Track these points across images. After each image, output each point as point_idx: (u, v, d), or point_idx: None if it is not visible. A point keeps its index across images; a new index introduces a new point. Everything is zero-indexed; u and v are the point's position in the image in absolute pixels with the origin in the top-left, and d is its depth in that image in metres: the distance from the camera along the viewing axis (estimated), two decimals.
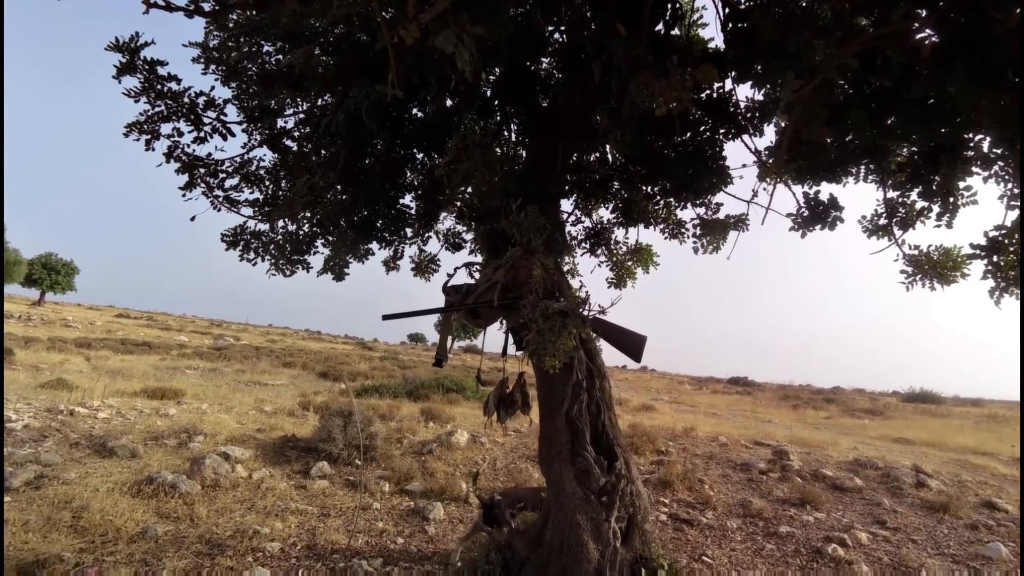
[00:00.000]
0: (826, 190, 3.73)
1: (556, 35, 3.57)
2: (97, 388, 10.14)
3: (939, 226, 3.56)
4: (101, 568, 3.56)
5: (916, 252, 3.66)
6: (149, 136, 3.80)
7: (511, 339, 3.06)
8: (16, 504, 4.29)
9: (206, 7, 2.12)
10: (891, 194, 3.77)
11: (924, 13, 1.97)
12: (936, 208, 3.55)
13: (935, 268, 3.59)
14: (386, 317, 2.79)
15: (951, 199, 3.42)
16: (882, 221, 3.79)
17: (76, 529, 4.05)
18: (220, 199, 3.96)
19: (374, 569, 3.94)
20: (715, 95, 3.36)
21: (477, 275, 3.20)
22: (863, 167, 3.72)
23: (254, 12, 3.30)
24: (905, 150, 3.61)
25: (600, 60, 1.84)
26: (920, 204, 3.63)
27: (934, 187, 3.43)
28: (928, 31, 1.94)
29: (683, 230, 4.36)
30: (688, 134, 3.43)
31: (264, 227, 4.45)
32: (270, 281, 4.57)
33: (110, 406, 8.61)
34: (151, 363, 17.10)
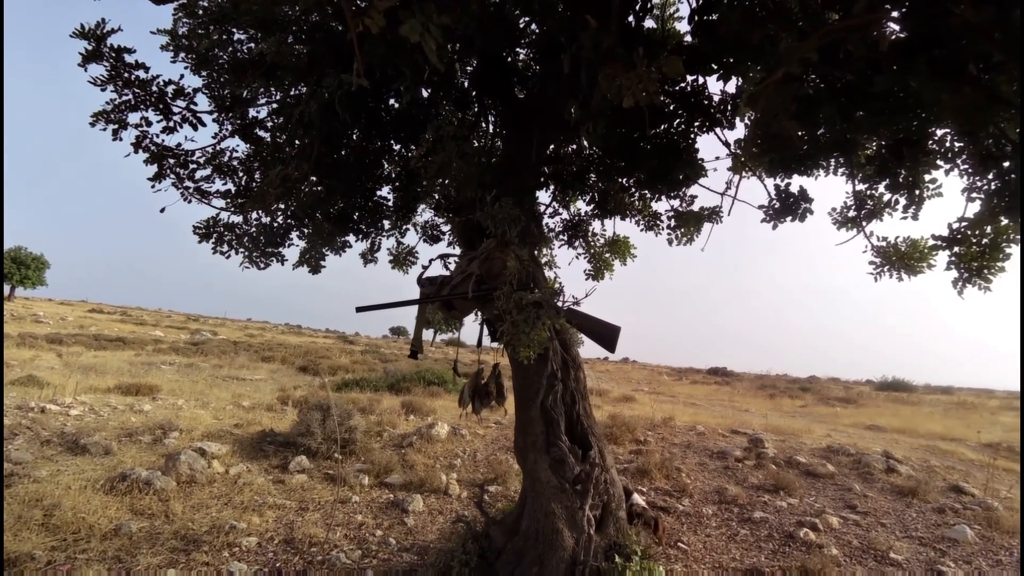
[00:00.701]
0: (797, 183, 3.80)
1: (531, 25, 3.56)
2: (69, 385, 9.93)
3: (905, 218, 3.64)
4: (73, 566, 3.51)
5: (884, 243, 3.75)
6: (116, 126, 3.71)
7: (486, 330, 3.07)
8: None
9: None
10: (860, 187, 3.85)
11: (888, 7, 2.01)
12: (903, 200, 3.64)
13: (902, 259, 3.68)
14: (360, 309, 2.78)
15: (917, 191, 3.51)
16: (851, 213, 3.87)
17: (47, 527, 3.98)
18: (190, 190, 3.89)
19: (352, 561, 3.94)
20: (688, 87, 3.39)
21: (452, 267, 3.20)
22: (833, 160, 3.79)
23: None
24: (874, 144, 3.69)
25: (569, 52, 1.85)
26: (887, 196, 3.71)
27: (900, 180, 3.51)
28: (891, 25, 1.98)
29: (658, 222, 4.40)
30: (662, 126, 3.46)
31: (238, 219, 4.39)
32: (249, 275, 4.55)
33: (83, 403, 8.44)
34: (125, 359, 16.78)
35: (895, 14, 2.11)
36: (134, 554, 3.75)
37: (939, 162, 3.31)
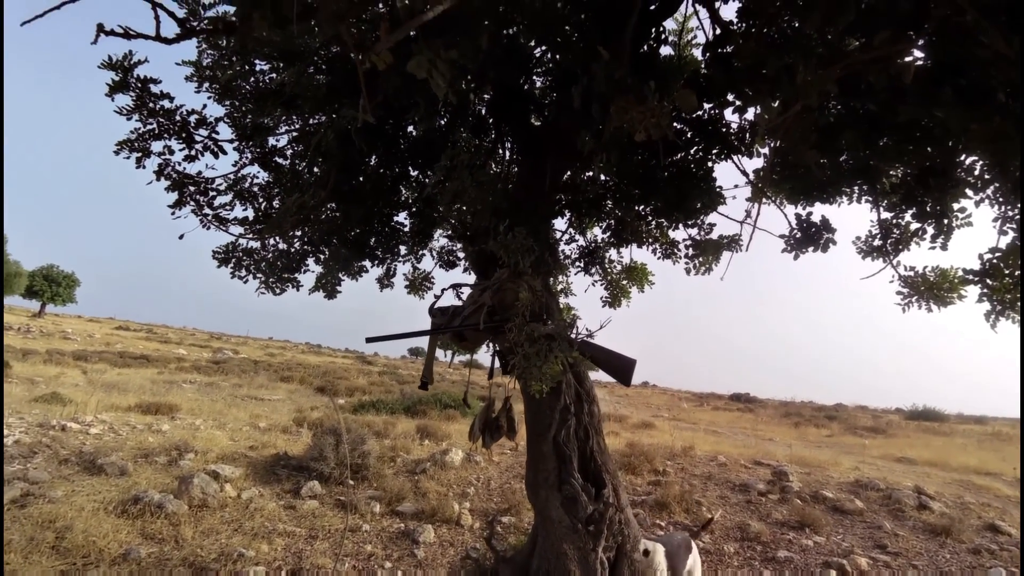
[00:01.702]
0: (819, 211, 3.71)
1: (547, 55, 3.57)
2: (91, 403, 10.08)
3: (934, 248, 3.52)
4: None
5: (912, 273, 3.62)
6: (140, 154, 3.79)
7: (498, 362, 3.02)
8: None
9: (169, 35, 2.11)
10: (885, 215, 3.74)
11: (912, 35, 1.95)
12: (931, 230, 3.52)
13: (931, 289, 3.54)
14: (370, 340, 2.75)
15: (945, 221, 3.39)
16: (876, 242, 3.75)
17: (58, 550, 3.98)
18: (209, 217, 3.94)
19: None
20: (705, 116, 3.35)
21: (464, 296, 3.17)
22: (856, 188, 3.69)
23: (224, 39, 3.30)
24: (899, 171, 3.59)
25: (581, 84, 1.82)
26: (914, 225, 3.59)
27: (928, 209, 3.40)
28: (914, 55, 1.92)
29: (676, 250, 4.33)
30: (678, 155, 3.41)
31: (256, 245, 4.43)
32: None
33: (103, 421, 8.54)
34: (148, 376, 17.04)
35: (919, 42, 2.05)
36: None
37: (968, 191, 3.20)
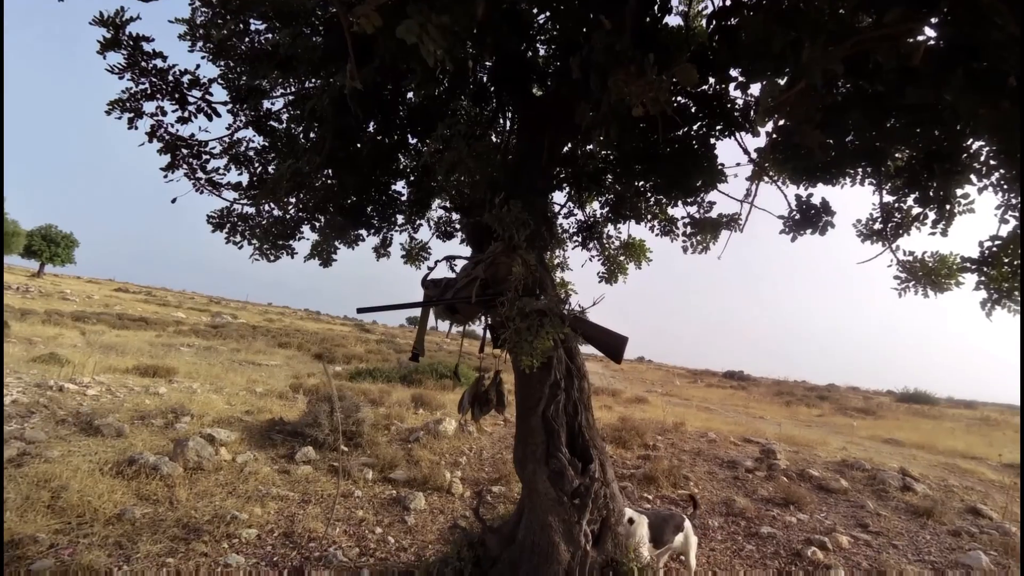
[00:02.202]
0: (820, 193, 3.67)
1: (548, 23, 3.47)
2: (89, 364, 10.13)
3: (934, 233, 3.48)
4: (75, 551, 3.54)
5: (911, 258, 3.59)
6: (132, 114, 3.71)
7: (490, 336, 3.01)
8: None
9: None
10: (887, 199, 3.69)
11: (925, 14, 1.88)
12: (932, 215, 3.47)
13: (929, 275, 3.52)
14: (361, 310, 2.73)
15: (947, 206, 3.34)
16: (877, 226, 3.71)
17: (54, 509, 4.03)
18: (202, 181, 3.88)
19: (349, 559, 3.93)
20: (710, 91, 3.27)
21: (458, 268, 3.14)
22: (860, 170, 3.63)
23: None
24: (904, 154, 3.52)
25: (579, 55, 1.76)
26: (916, 210, 3.55)
27: (931, 193, 3.35)
28: (926, 34, 1.85)
29: (674, 228, 4.29)
30: (680, 131, 3.34)
31: (251, 210, 4.38)
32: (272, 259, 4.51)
33: (100, 383, 8.60)
34: (146, 339, 17.10)
35: (931, 21, 1.98)
36: (135, 541, 3.78)
37: (972, 177, 3.14)
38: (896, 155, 3.60)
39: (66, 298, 29.01)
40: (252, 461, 5.73)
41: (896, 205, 3.72)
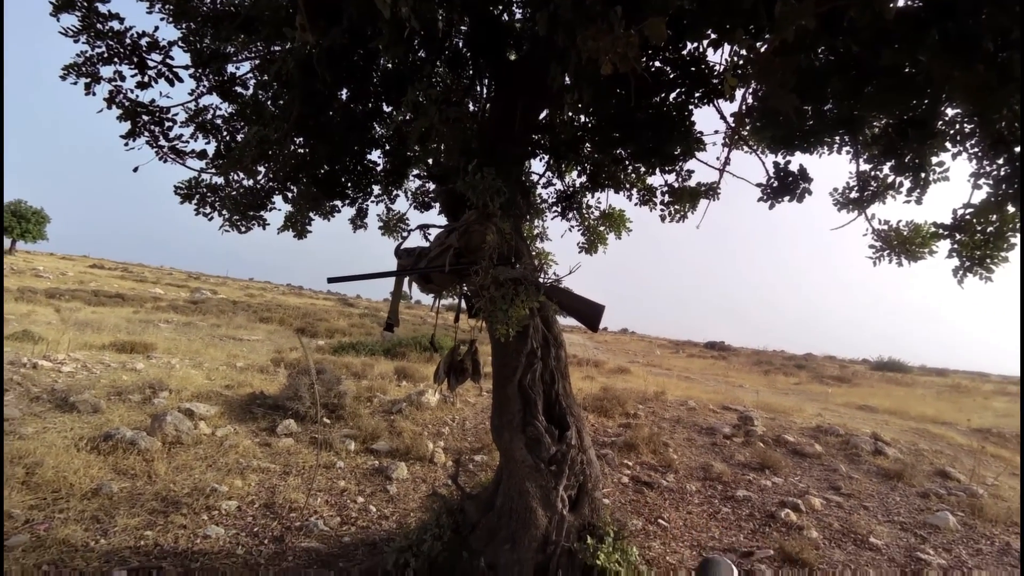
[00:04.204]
0: (798, 161, 3.65)
1: None
2: (63, 341, 9.95)
3: (909, 201, 3.50)
4: (51, 525, 3.51)
5: (885, 227, 3.62)
6: (89, 79, 3.54)
7: (464, 305, 2.98)
8: None
9: None
10: (864, 167, 3.69)
11: None
12: (907, 183, 3.49)
13: (904, 244, 3.56)
14: (331, 280, 2.68)
15: (922, 174, 3.35)
16: (853, 195, 3.72)
17: (28, 485, 3.99)
18: (165, 149, 3.74)
19: (330, 528, 3.96)
20: (688, 57, 3.20)
21: (432, 237, 3.09)
22: (838, 138, 3.62)
23: None
24: (882, 122, 3.51)
25: (546, 10, 1.69)
26: (892, 178, 3.56)
27: (906, 161, 3.36)
28: None
29: (653, 197, 4.26)
30: (659, 97, 3.28)
31: (220, 180, 4.25)
32: (253, 234, 4.41)
33: (75, 359, 8.46)
34: (123, 316, 16.82)
35: None
36: (112, 515, 3.76)
37: (947, 144, 3.15)
38: (873, 123, 3.59)
39: (39, 275, 28.32)
40: (232, 435, 5.71)
41: (872, 174, 3.73)
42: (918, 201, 3.52)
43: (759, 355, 32.08)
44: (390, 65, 4.09)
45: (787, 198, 3.52)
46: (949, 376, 28.04)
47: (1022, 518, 6.41)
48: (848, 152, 3.71)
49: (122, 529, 3.61)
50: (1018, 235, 2.96)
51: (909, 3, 2.12)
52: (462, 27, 3.98)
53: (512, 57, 3.88)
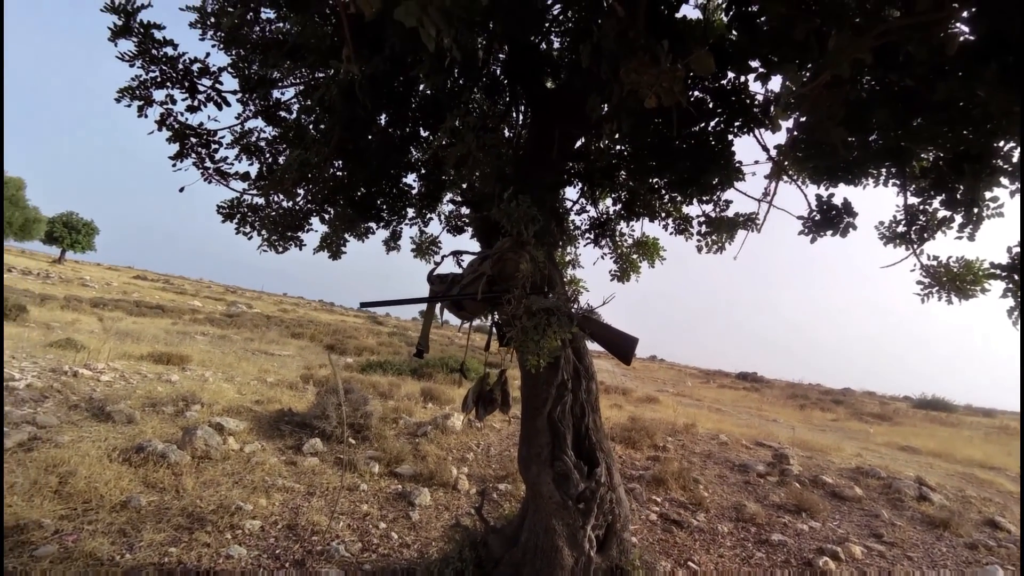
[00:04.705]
0: (841, 193, 3.54)
1: (561, 11, 3.37)
2: (104, 350, 10.26)
3: (960, 237, 3.34)
4: (79, 537, 3.56)
5: (935, 263, 3.46)
6: (142, 102, 3.69)
7: (496, 334, 2.94)
8: (6, 466, 4.31)
9: None
10: (912, 200, 3.55)
11: (956, 5, 1.77)
12: (959, 218, 3.34)
13: (954, 281, 3.39)
14: (364, 305, 2.68)
15: (975, 210, 3.20)
16: (900, 228, 3.57)
17: (60, 495, 4.06)
18: (211, 171, 3.85)
19: (351, 555, 3.90)
20: (728, 85, 3.16)
21: (465, 264, 3.08)
22: (884, 170, 3.50)
23: None
24: (931, 154, 3.38)
25: (589, 42, 1.68)
26: (942, 213, 3.41)
27: (958, 196, 3.21)
28: (959, 26, 1.74)
29: (689, 226, 4.18)
30: (698, 126, 3.23)
31: (261, 200, 4.36)
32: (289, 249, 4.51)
33: (114, 369, 8.70)
34: (162, 326, 17.32)
35: (964, 14, 1.87)
36: (139, 529, 3.78)
37: (1003, 180, 3.01)
38: (922, 155, 3.46)
39: (85, 284, 29.50)
40: (260, 451, 5.75)
41: (921, 207, 3.58)
42: (971, 237, 3.36)
43: (794, 388, 31.07)
44: (428, 91, 4.16)
45: (830, 232, 3.40)
46: (997, 417, 26.57)
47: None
48: (895, 184, 3.58)
49: (148, 544, 3.62)
50: None
51: (967, 36, 2.04)
52: (500, 55, 4.03)
53: (549, 85, 3.90)
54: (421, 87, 4.19)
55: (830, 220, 3.32)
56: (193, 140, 3.78)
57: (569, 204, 4.65)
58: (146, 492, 4.38)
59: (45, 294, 20.39)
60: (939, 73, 2.13)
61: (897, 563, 4.88)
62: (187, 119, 3.80)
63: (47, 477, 4.22)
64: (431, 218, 4.97)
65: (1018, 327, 3.18)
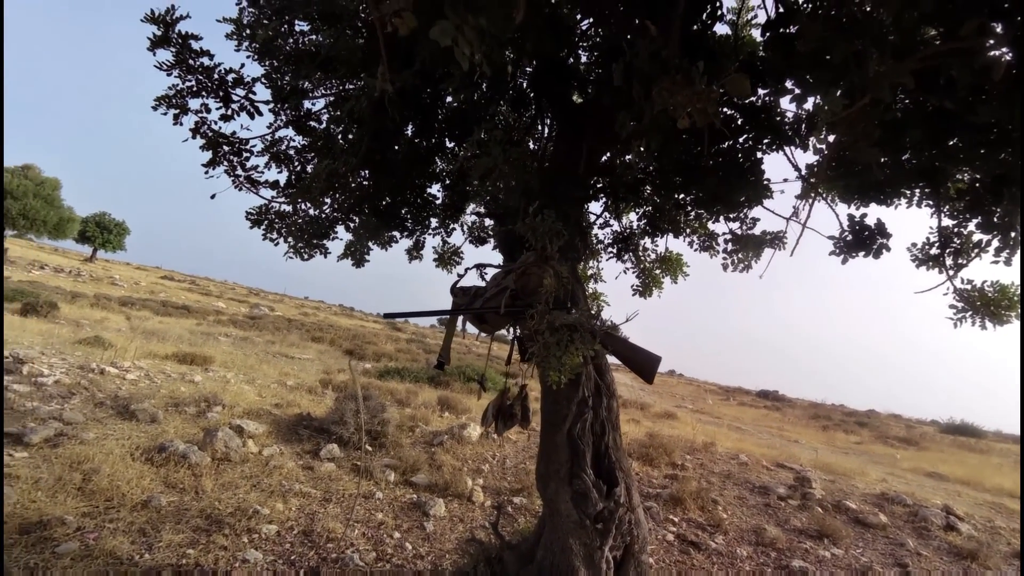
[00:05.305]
0: (874, 213, 3.47)
1: (591, 29, 3.38)
2: (130, 349, 10.48)
3: (996, 262, 3.24)
4: (100, 535, 3.61)
5: (969, 287, 3.36)
6: (178, 110, 3.79)
7: (518, 348, 2.93)
8: (31, 461, 4.41)
9: None
10: (946, 222, 3.46)
11: (1000, 28, 1.73)
12: (995, 242, 3.24)
13: (988, 306, 3.29)
14: (387, 316, 2.69)
15: (1012, 234, 3.11)
16: (933, 251, 3.48)
17: (84, 492, 4.13)
18: (241, 178, 3.93)
19: (365, 564, 3.90)
20: (759, 103, 3.12)
21: (488, 277, 3.07)
22: (918, 190, 3.42)
23: None
24: (967, 176, 3.30)
25: (622, 62, 1.67)
26: (977, 236, 3.32)
27: (995, 219, 3.12)
28: (1003, 49, 1.70)
29: (715, 243, 4.13)
30: (726, 144, 3.20)
31: (288, 208, 4.43)
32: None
33: (140, 368, 8.87)
34: (187, 327, 17.64)
35: (1009, 37, 1.82)
36: (159, 529, 3.83)
37: None
38: (958, 176, 3.38)
39: (115, 283, 30.25)
40: (278, 455, 5.79)
41: (955, 230, 3.49)
42: (1007, 262, 3.26)
43: (816, 408, 30.40)
44: (455, 104, 4.20)
45: (863, 253, 3.32)
46: None
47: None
48: (928, 205, 3.49)
49: (166, 545, 3.66)
50: None
51: (1007, 59, 1.99)
52: (527, 68, 4.05)
53: (576, 99, 3.90)
54: (448, 99, 4.24)
55: (863, 241, 3.25)
56: (225, 148, 3.86)
57: (592, 218, 4.63)
58: (166, 492, 4.44)
59: (76, 292, 20.96)
60: (980, 95, 2.08)
61: None
62: (220, 128, 3.88)
63: (71, 474, 4.30)
64: (454, 228, 5.00)
65: None
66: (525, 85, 4.13)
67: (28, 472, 4.18)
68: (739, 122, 3.29)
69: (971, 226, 3.40)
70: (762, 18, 3.48)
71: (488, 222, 4.94)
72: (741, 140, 3.34)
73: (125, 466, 4.64)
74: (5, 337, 9.51)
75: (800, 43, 1.54)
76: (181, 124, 3.86)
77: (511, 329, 3.03)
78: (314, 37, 3.99)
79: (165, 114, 3.79)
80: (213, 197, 3.83)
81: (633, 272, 4.79)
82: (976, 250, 3.39)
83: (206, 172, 3.84)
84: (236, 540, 3.90)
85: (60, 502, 3.87)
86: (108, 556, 3.40)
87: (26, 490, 3.93)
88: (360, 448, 5.83)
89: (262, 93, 4.25)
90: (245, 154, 3.97)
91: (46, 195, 31.00)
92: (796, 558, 5.13)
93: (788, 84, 1.99)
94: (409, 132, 4.32)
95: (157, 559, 3.49)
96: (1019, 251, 2.78)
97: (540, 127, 4.48)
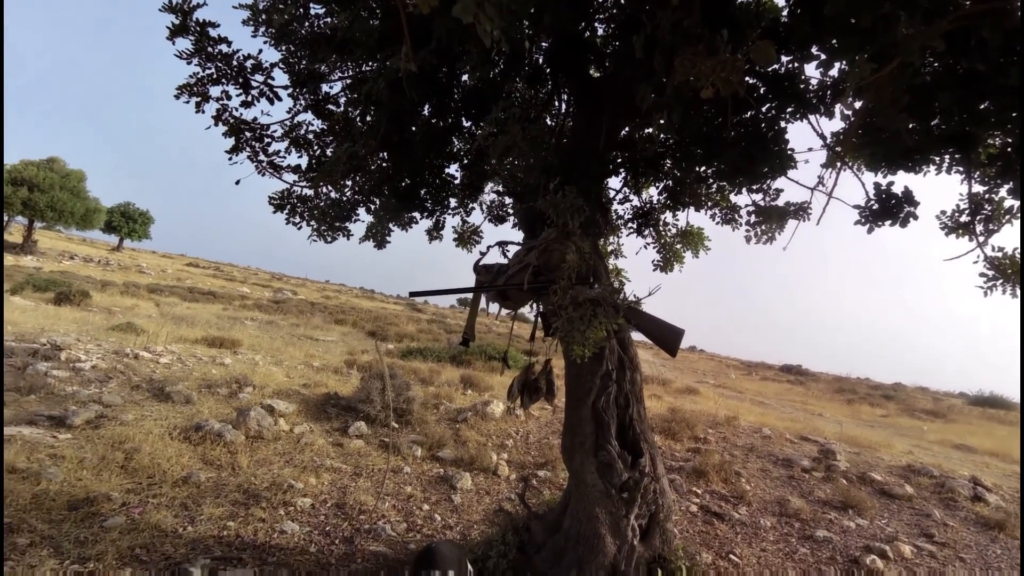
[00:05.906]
0: (901, 181, 3.40)
1: (609, 1, 3.33)
2: (162, 334, 10.78)
3: None
4: (144, 509, 3.79)
5: (999, 254, 3.29)
6: (199, 99, 3.84)
7: (541, 323, 2.97)
8: (75, 442, 4.62)
9: None
10: (977, 188, 3.38)
11: None
12: None
13: (1020, 273, 3.22)
14: (413, 294, 2.75)
15: None
16: (964, 218, 3.41)
17: (127, 469, 4.32)
18: (264, 164, 3.99)
19: (397, 534, 4.03)
20: (782, 70, 3.06)
21: (511, 254, 3.11)
22: (947, 156, 3.34)
23: None
24: (998, 140, 3.21)
25: (643, 33, 1.66)
26: (1009, 202, 3.24)
27: None
28: None
29: (737, 216, 4.09)
30: (748, 113, 3.15)
31: (310, 192, 4.49)
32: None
33: (172, 352, 9.13)
34: (214, 312, 18.04)
35: None
36: (200, 503, 4.00)
37: None
38: (988, 141, 3.28)
39: (142, 271, 30.97)
40: (308, 433, 5.97)
41: (986, 196, 3.41)
42: None
43: (841, 382, 30.05)
44: (472, 82, 4.19)
45: (889, 222, 3.27)
46: None
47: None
48: (958, 171, 3.40)
49: (208, 518, 3.83)
50: None
51: None
52: (543, 44, 4.02)
53: (594, 73, 3.86)
54: (464, 78, 4.22)
55: (890, 210, 3.19)
56: (247, 134, 3.91)
57: (612, 193, 4.61)
58: (205, 469, 4.62)
59: (106, 280, 21.54)
60: (1012, 57, 2.02)
61: (949, 564, 4.71)
62: (241, 114, 3.94)
63: (114, 453, 4.50)
64: (473, 208, 5.02)
65: None
66: (541, 61, 4.10)
67: (72, 452, 4.38)
68: (762, 91, 3.23)
69: (1002, 191, 3.32)
70: None
71: (508, 200, 4.96)
72: (764, 109, 3.28)
73: (164, 445, 4.83)
74: (42, 325, 9.86)
75: (827, 7, 1.51)
76: (203, 112, 3.92)
77: (533, 306, 3.07)
78: (329, 20, 4.00)
79: (187, 103, 3.85)
80: (238, 183, 3.90)
81: (654, 247, 4.77)
82: (1007, 216, 3.31)
83: (230, 158, 3.91)
84: (273, 512, 4.06)
85: (105, 480, 4.06)
86: (154, 529, 3.57)
87: (72, 469, 4.13)
88: (388, 425, 5.97)
89: (280, 78, 4.29)
90: (267, 139, 4.03)
91: (72, 187, 31.66)
92: (820, 528, 5.16)
93: (813, 50, 1.95)
94: (426, 112, 4.33)
95: (200, 531, 3.66)
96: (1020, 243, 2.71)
97: (557, 103, 4.45)
